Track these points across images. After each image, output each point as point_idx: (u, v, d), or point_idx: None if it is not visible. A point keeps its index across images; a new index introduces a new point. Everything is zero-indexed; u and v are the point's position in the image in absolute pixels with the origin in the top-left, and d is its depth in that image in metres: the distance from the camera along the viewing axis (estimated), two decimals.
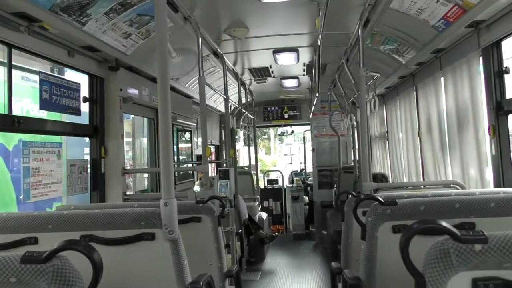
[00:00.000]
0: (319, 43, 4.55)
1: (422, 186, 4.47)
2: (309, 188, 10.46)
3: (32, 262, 1.23)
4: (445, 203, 2.16)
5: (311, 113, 9.52)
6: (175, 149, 6.78)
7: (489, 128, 3.38)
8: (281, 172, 11.79)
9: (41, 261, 1.23)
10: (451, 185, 3.74)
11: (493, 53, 3.36)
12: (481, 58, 3.49)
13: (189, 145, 7.37)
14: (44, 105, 3.31)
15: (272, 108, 10.63)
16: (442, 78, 4.35)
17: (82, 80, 3.92)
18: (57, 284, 1.23)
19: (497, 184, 3.36)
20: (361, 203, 2.59)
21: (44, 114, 3.82)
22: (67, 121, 3.90)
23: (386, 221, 2.18)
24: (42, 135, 3.53)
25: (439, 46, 3.94)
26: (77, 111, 3.73)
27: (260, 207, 8.89)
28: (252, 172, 9.03)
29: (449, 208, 2.13)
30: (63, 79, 3.58)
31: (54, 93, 3.39)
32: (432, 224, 1.21)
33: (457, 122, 3.99)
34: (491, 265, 1.17)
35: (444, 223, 1.20)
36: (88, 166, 3.92)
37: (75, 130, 4.00)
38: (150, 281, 2.11)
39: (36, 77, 3.30)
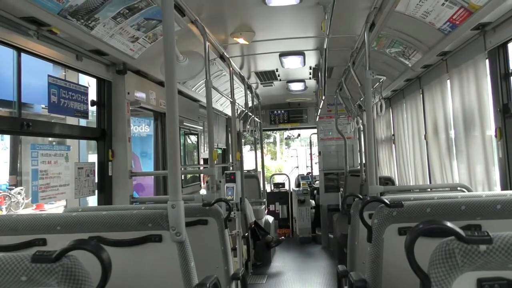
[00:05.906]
0: (325, 47, 4.56)
1: (428, 189, 4.46)
2: (315, 191, 10.44)
3: (42, 261, 1.24)
4: (451, 205, 2.15)
5: (318, 117, 9.52)
6: (182, 152, 6.80)
7: (495, 131, 3.37)
8: (287, 176, 11.78)
9: (51, 260, 1.24)
10: (458, 188, 3.72)
11: (499, 56, 3.35)
12: (487, 61, 3.49)
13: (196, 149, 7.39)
14: (52, 108, 3.35)
15: (279, 111, 10.67)
16: (448, 81, 4.35)
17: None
18: (66, 283, 1.25)
19: (504, 187, 3.35)
20: (367, 206, 2.59)
21: None
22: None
23: (392, 223, 2.18)
24: None
25: (445, 49, 3.94)
26: (85, 115, 3.76)
27: (266, 210, 8.88)
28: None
29: (455, 210, 2.13)
30: (71, 82, 3.61)
31: (62, 97, 3.42)
32: (437, 224, 1.22)
33: (464, 125, 3.98)
34: (496, 266, 1.17)
35: (449, 224, 1.20)
36: (96, 169, 3.95)
37: (83, 133, 4.04)
38: (157, 283, 2.12)
39: None
